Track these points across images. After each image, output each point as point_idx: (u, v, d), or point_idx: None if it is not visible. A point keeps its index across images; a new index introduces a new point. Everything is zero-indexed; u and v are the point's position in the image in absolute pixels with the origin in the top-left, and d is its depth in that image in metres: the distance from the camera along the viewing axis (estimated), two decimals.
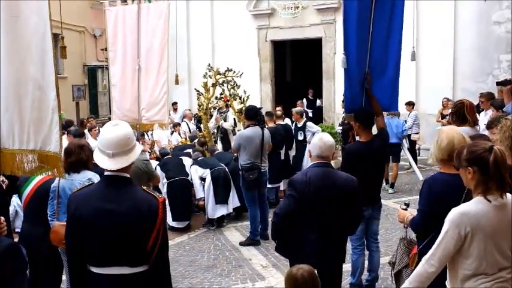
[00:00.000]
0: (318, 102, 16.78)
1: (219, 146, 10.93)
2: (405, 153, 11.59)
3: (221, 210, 8.51)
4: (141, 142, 10.76)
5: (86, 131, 11.40)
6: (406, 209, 4.03)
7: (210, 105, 10.97)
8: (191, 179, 8.72)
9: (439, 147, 3.56)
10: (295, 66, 20.40)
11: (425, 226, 3.57)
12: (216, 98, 11.10)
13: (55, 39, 3.96)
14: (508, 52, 13.87)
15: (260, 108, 9.10)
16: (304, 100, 16.76)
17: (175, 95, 16.48)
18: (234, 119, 11.29)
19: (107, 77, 19.39)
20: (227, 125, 11.15)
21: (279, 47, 17.53)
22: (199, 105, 10.92)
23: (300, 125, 10.67)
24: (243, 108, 10.53)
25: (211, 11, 17.15)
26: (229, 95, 10.82)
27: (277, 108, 12.66)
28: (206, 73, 10.86)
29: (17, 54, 3.83)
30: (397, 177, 10.97)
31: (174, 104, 16.05)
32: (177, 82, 10.93)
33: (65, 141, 8.83)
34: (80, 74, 19.28)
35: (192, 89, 17.00)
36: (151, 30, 9.10)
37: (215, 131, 11.23)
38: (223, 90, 10.90)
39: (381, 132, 5.45)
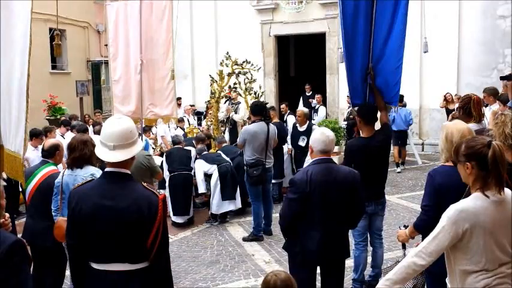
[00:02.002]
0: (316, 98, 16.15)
1: (227, 138, 10.84)
2: (410, 141, 13.04)
3: (227, 206, 8.49)
4: (150, 137, 10.80)
5: (90, 127, 11.46)
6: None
7: (222, 94, 10.78)
8: (194, 173, 8.71)
9: (451, 141, 3.49)
10: (299, 61, 20.34)
11: (431, 221, 3.51)
12: (229, 87, 10.93)
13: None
14: None
15: (266, 104, 9.05)
16: (301, 101, 16.03)
17: (178, 90, 16.42)
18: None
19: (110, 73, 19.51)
20: (237, 117, 11.06)
21: (282, 41, 17.48)
22: (212, 93, 10.70)
23: (302, 129, 9.54)
24: None
25: (214, 6, 17.12)
26: (245, 89, 10.64)
27: (281, 106, 12.57)
28: (223, 61, 10.68)
29: (9, 51, 3.77)
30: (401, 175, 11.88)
31: (178, 99, 16.02)
32: (172, 77, 10.69)
33: (70, 137, 8.89)
34: (83, 69, 19.32)
35: (195, 84, 17.05)
36: (155, 25, 9.07)
37: (224, 120, 11.09)
38: (239, 82, 10.62)
39: (384, 127, 5.40)
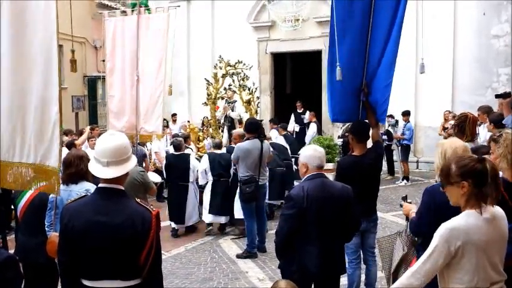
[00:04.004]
0: (307, 114, 15.88)
1: (225, 135, 11.03)
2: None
3: (217, 219, 8.75)
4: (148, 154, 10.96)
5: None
6: (409, 202, 4.18)
7: (218, 96, 11.28)
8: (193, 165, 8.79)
9: (444, 158, 3.48)
10: (295, 78, 20.44)
11: (420, 229, 3.62)
12: (225, 88, 11.34)
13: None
14: (507, 65, 13.92)
15: (261, 121, 9.14)
16: (292, 116, 16.18)
17: (174, 106, 16.50)
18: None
19: (106, 88, 19.50)
20: (234, 114, 11.34)
21: (279, 59, 17.59)
22: (208, 95, 11.26)
23: None
24: (251, 99, 10.95)
25: (212, 23, 17.24)
26: (239, 85, 11.12)
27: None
28: (216, 64, 11.26)
29: (24, 64, 3.79)
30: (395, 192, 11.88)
31: (174, 115, 16.07)
32: (170, 93, 10.75)
33: (63, 152, 8.84)
34: (80, 84, 19.29)
35: (191, 100, 17.10)
36: (151, 41, 9.09)
37: (222, 120, 11.42)
38: (233, 81, 11.18)
39: (376, 144, 5.42)
